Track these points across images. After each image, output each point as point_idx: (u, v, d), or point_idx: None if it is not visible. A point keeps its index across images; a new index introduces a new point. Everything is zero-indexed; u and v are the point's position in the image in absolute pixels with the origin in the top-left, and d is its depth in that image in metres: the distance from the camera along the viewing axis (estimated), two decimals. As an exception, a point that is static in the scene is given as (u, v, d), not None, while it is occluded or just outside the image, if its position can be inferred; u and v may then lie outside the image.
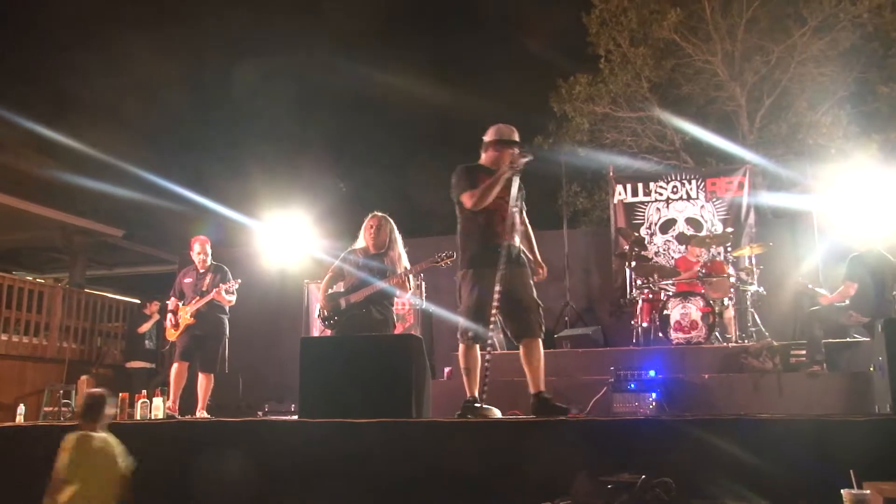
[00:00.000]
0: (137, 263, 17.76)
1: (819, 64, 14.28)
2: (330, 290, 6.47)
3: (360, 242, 6.53)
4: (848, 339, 7.89)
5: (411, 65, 16.05)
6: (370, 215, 6.53)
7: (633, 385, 7.36)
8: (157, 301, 11.70)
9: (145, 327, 11.58)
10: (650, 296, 9.06)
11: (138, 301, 12.94)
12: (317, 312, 6.63)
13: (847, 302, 7.53)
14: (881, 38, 14.07)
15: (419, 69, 15.71)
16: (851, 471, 3.37)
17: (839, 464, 3.58)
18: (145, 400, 6.61)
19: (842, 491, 3.31)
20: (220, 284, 7.74)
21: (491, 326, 5.33)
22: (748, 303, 8.85)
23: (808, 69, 14.36)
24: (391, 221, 6.54)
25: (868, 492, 3.23)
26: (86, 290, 13.94)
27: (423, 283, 9.93)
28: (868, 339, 7.25)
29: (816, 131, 13.90)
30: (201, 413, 7.58)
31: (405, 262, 6.44)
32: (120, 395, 6.78)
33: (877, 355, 5.22)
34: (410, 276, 6.45)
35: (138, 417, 6.45)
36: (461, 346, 5.56)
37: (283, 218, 11.77)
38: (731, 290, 8.82)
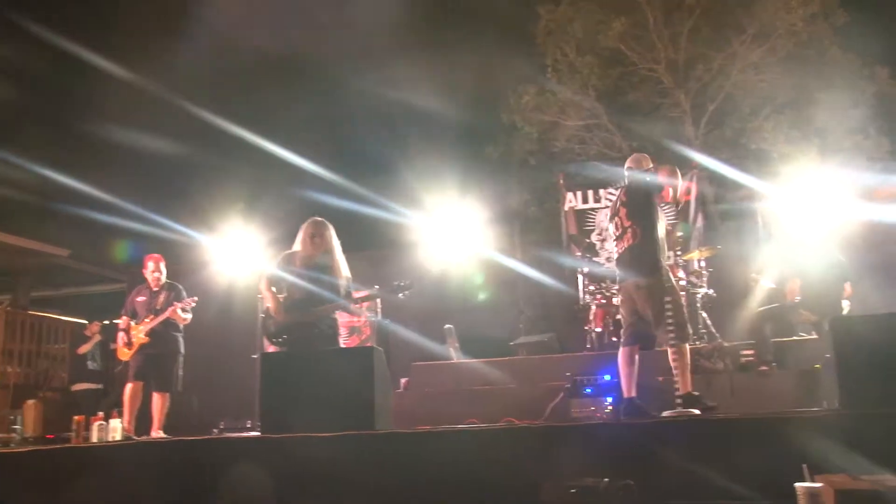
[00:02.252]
0: (84, 283, 17.41)
1: (759, 71, 14.64)
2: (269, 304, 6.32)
3: (298, 248, 6.32)
4: (796, 338, 8.11)
5: (365, 78, 16.04)
6: (309, 221, 6.35)
7: (589, 390, 7.46)
8: (97, 322, 11.50)
9: (85, 348, 11.33)
10: (603, 301, 9.17)
11: (85, 321, 12.69)
12: (262, 328, 6.47)
13: (797, 300, 7.74)
14: (815, 45, 14.49)
15: (374, 81, 15.70)
16: (804, 465, 3.47)
17: (792, 459, 3.68)
18: (102, 422, 6.50)
19: (795, 485, 3.40)
20: (176, 302, 7.65)
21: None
22: (698, 305, 9.01)
23: (748, 76, 14.69)
24: (331, 228, 6.37)
25: (820, 485, 3.32)
26: (30, 312, 13.62)
27: (381, 298, 9.93)
28: (815, 336, 7.47)
29: (759, 136, 14.23)
30: (157, 433, 7.47)
31: (346, 270, 6.31)
32: (75, 418, 6.66)
33: (824, 353, 5.38)
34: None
35: (95, 440, 6.33)
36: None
37: (233, 232, 11.67)
38: (682, 293, 8.97)
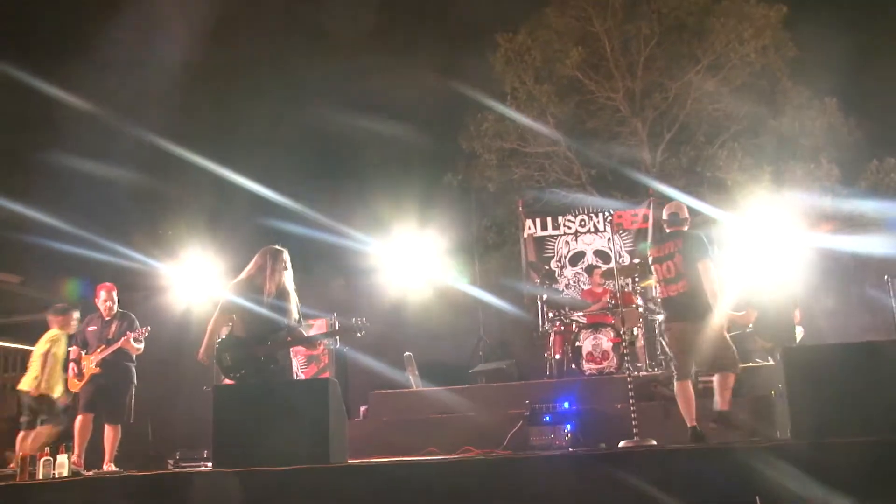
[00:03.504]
0: (36, 311, 17.02)
1: (714, 100, 14.93)
2: (221, 337, 6.20)
3: (252, 276, 6.16)
4: (752, 364, 8.19)
5: (323, 104, 16.02)
6: (265, 249, 6.22)
7: (548, 417, 7.45)
8: None
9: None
10: (562, 328, 9.21)
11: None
12: (217, 361, 6.32)
13: (750, 328, 7.85)
14: (768, 75, 14.87)
15: (333, 107, 15.69)
16: (756, 497, 3.49)
17: (747, 489, 3.70)
18: (48, 458, 6.30)
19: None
20: (128, 332, 7.52)
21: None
22: (657, 332, 9.08)
23: (703, 105, 14.99)
24: (286, 256, 6.24)
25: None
26: (-21, 340, 13.28)
27: (337, 325, 9.85)
28: (771, 363, 7.56)
29: (713, 164, 14.50)
30: (109, 466, 7.30)
31: (295, 298, 6.22)
32: (19, 454, 6.47)
33: (777, 381, 5.44)
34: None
35: (41, 477, 6.13)
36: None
37: (190, 258, 11.51)
38: (640, 320, 9.05)
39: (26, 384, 7.63)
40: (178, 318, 11.19)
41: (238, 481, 4.66)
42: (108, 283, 7.83)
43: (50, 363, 7.34)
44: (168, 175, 14.77)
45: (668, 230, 6.55)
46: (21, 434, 7.50)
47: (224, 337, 6.23)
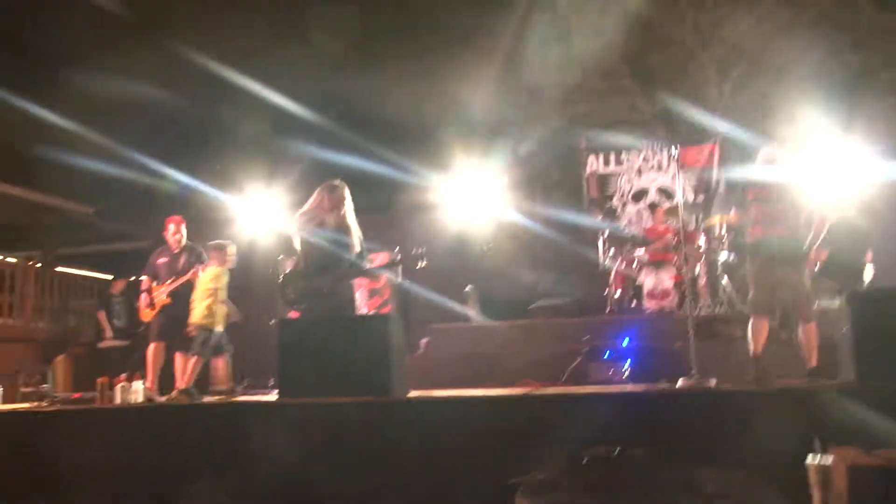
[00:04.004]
0: (109, 240, 17.55)
1: (787, 33, 14.33)
2: (288, 269, 6.36)
3: (314, 210, 6.35)
4: (818, 305, 8.05)
5: (385, 42, 15.89)
6: (326, 184, 6.38)
7: (607, 354, 7.48)
8: (122, 280, 11.60)
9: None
10: (623, 265, 9.17)
11: (111, 278, 12.80)
12: (281, 294, 6.46)
13: (817, 268, 7.69)
14: (850, 4, 14.16)
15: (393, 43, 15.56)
16: (815, 439, 3.49)
17: (806, 432, 3.69)
18: (125, 383, 6.61)
19: (807, 461, 3.42)
20: (198, 265, 7.72)
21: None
22: (719, 272, 8.97)
23: (776, 38, 14.40)
24: (347, 190, 6.38)
25: (831, 458, 3.34)
26: (57, 269, 13.79)
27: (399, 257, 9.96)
28: (837, 305, 7.43)
29: (784, 99, 14.01)
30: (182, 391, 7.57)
31: (358, 231, 6.36)
32: (98, 379, 6.77)
33: (843, 324, 5.36)
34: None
35: (118, 402, 6.44)
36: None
37: (255, 191, 11.67)
38: (703, 258, 8.94)
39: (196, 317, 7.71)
40: (244, 250, 11.41)
41: (301, 412, 4.82)
42: (176, 217, 8.03)
43: (218, 298, 7.45)
44: (232, 106, 14.91)
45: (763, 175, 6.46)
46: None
47: (287, 271, 6.39)
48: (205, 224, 11.62)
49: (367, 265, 6.53)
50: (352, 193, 6.48)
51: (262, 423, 4.82)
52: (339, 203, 6.31)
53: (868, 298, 5.19)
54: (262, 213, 11.43)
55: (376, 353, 5.16)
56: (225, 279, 7.41)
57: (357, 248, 6.30)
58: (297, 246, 6.41)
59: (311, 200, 6.41)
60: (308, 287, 6.18)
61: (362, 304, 10.19)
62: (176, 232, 7.91)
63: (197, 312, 7.24)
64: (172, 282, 7.71)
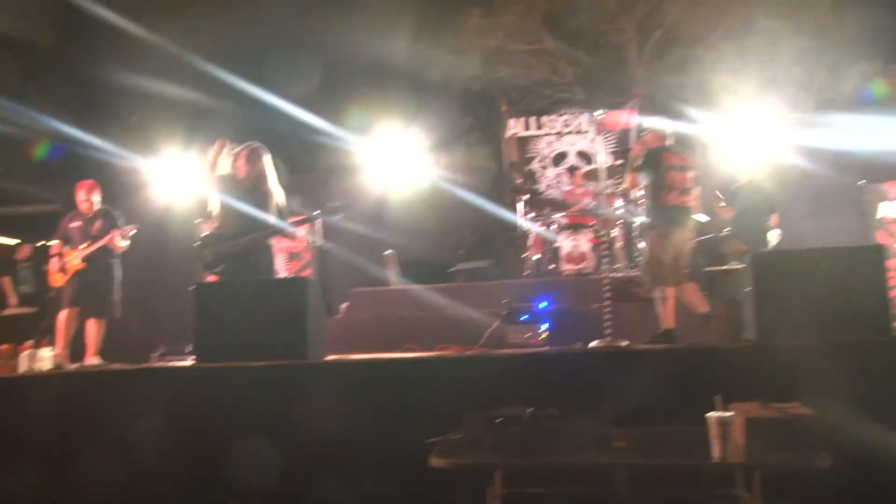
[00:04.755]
0: (14, 202, 16.86)
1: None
2: (206, 232, 6.29)
3: (232, 172, 6.28)
4: (727, 267, 8.34)
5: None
6: (244, 146, 6.31)
7: (525, 317, 7.60)
8: (28, 245, 11.22)
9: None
10: (542, 228, 9.28)
11: (17, 242, 12.33)
12: (198, 258, 6.40)
13: (727, 231, 7.98)
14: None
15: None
16: (717, 395, 3.62)
17: (709, 389, 3.83)
18: (31, 351, 6.41)
19: (707, 415, 3.55)
20: (114, 230, 7.52)
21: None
22: (635, 234, 9.17)
23: (694, 3, 14.63)
24: (267, 152, 6.32)
25: (731, 414, 3.48)
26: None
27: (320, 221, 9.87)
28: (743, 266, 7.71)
29: (701, 65, 14.28)
30: (92, 360, 7.43)
31: (280, 196, 6.29)
32: (0, 346, 6.55)
33: (746, 286, 5.56)
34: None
35: (23, 370, 6.25)
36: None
37: (171, 154, 11.41)
38: (620, 221, 9.12)
39: None
40: (160, 213, 11.20)
41: (217, 377, 4.77)
42: (87, 182, 7.80)
43: None
44: (149, 67, 14.42)
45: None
46: None
47: (204, 234, 6.29)
48: (119, 188, 11.32)
49: (288, 227, 6.46)
50: (272, 154, 6.40)
51: (175, 390, 4.75)
52: (258, 164, 6.23)
53: (769, 260, 5.39)
54: (178, 176, 11.20)
55: (293, 317, 5.13)
56: None
57: (278, 210, 6.23)
58: (215, 208, 6.30)
59: (232, 163, 6.30)
60: (224, 249, 6.11)
61: (282, 268, 10.11)
62: (85, 200, 7.68)
63: None
64: (87, 246, 7.50)
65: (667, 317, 6.32)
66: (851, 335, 4.52)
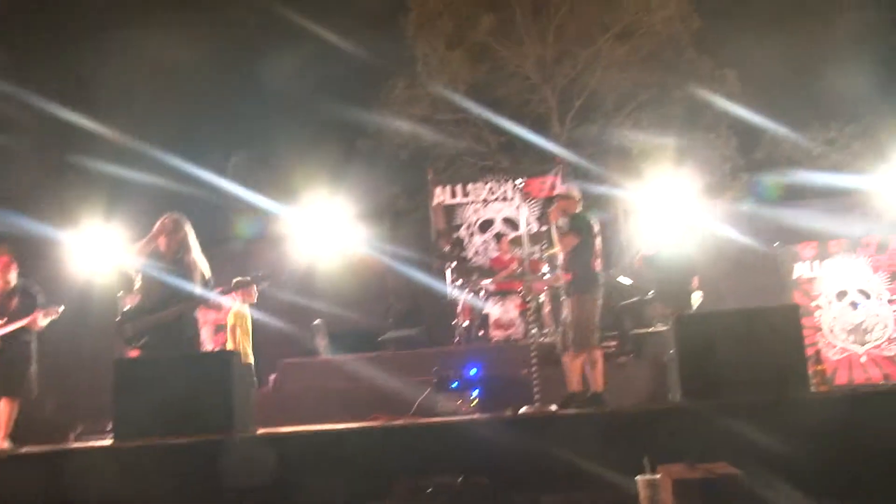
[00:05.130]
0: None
1: (622, 69, 15.21)
2: (128, 306, 6.13)
3: (154, 244, 6.10)
4: (652, 330, 8.51)
5: (232, 66, 15.63)
6: (167, 216, 6.16)
7: (455, 384, 7.58)
8: None
9: None
10: (470, 295, 9.32)
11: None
12: (119, 333, 6.22)
13: (651, 295, 8.19)
14: (674, 45, 15.20)
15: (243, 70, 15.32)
16: (645, 458, 3.66)
17: (637, 451, 3.87)
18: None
19: (636, 478, 3.59)
20: (37, 309, 7.24)
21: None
22: (562, 299, 9.25)
23: (612, 73, 15.24)
24: (188, 223, 6.21)
25: (659, 476, 3.51)
26: None
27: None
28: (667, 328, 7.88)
29: (621, 133, 14.81)
30: (2, 443, 7.08)
31: (204, 267, 6.18)
32: None
33: (670, 348, 5.68)
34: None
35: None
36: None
37: (92, 227, 11.15)
38: (547, 287, 9.22)
39: None
40: (81, 287, 10.87)
41: (137, 455, 4.61)
42: (2, 258, 7.51)
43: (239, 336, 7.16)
44: (66, 142, 14.21)
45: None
46: None
47: (126, 308, 6.13)
48: (36, 261, 10.99)
49: (213, 298, 6.34)
50: (196, 225, 6.31)
51: (94, 470, 4.56)
52: (180, 235, 6.12)
53: (691, 322, 5.53)
54: (100, 249, 10.94)
55: (218, 390, 5.00)
56: (248, 315, 7.29)
57: (200, 281, 6.12)
58: (138, 282, 6.15)
59: (152, 232, 6.19)
60: (148, 323, 5.94)
61: (208, 341, 9.89)
62: (0, 278, 7.40)
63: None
64: (5, 323, 7.20)
65: (596, 379, 6.38)
66: (772, 393, 4.65)
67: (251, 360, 7.17)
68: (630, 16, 14.75)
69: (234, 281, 7.32)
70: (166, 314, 5.89)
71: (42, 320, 7.30)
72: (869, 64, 13.84)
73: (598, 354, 6.48)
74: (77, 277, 10.96)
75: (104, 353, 8.63)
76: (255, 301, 7.43)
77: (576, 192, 7.08)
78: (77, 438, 8.42)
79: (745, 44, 14.50)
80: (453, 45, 15.21)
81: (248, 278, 7.38)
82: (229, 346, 7.24)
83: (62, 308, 7.48)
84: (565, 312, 6.76)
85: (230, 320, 7.29)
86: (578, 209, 6.82)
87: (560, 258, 6.89)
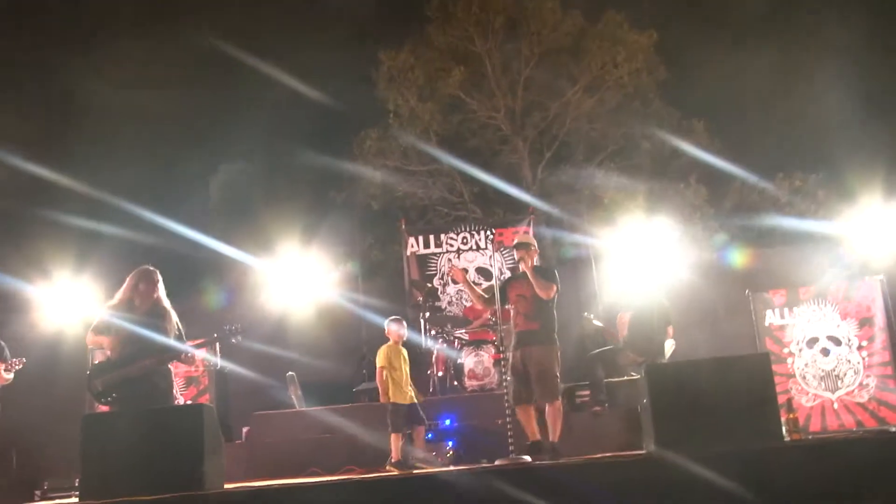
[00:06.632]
0: None
1: (591, 120, 15.50)
2: (97, 361, 6.06)
3: (125, 298, 6.06)
4: (626, 378, 8.54)
5: (204, 115, 15.68)
6: (138, 270, 6.15)
7: (430, 435, 7.55)
8: None
9: None
10: (444, 345, 9.31)
11: None
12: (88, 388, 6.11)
13: (623, 343, 8.24)
14: (641, 97, 15.53)
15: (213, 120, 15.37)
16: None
17: (612, 500, 3.87)
18: None
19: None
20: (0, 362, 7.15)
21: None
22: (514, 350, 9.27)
23: (581, 125, 15.52)
24: (159, 276, 6.17)
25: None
26: None
27: (219, 343, 9.65)
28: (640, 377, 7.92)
29: (591, 182, 15.01)
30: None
31: (174, 317, 6.16)
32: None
33: (643, 397, 5.71)
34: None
35: None
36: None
37: (62, 279, 11.05)
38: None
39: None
40: (49, 340, 10.73)
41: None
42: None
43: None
44: (38, 196, 14.12)
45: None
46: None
47: (97, 362, 6.05)
48: (6, 315, 10.87)
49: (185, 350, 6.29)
50: (168, 277, 6.28)
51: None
52: (151, 289, 6.08)
53: (663, 371, 5.57)
54: (69, 302, 10.84)
55: (188, 446, 4.93)
56: (402, 352, 7.49)
57: (173, 334, 6.07)
58: (109, 336, 6.07)
59: (123, 286, 6.14)
60: (117, 376, 5.86)
61: (178, 394, 9.76)
62: None
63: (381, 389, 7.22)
64: (-30, 377, 7.09)
65: (557, 429, 6.42)
66: (745, 442, 4.68)
67: (408, 400, 7.30)
68: (597, 69, 15.04)
69: (389, 319, 7.58)
70: (136, 367, 5.83)
71: (4, 373, 7.20)
72: (834, 113, 14.19)
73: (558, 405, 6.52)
74: (47, 331, 10.82)
75: (74, 408, 8.47)
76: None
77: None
78: (43, 496, 8.25)
79: (712, 94, 14.85)
80: (425, 97, 15.40)
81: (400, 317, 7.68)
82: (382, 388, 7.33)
83: (24, 360, 7.39)
84: (516, 362, 6.72)
85: (381, 361, 7.44)
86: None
87: (523, 305, 6.86)
